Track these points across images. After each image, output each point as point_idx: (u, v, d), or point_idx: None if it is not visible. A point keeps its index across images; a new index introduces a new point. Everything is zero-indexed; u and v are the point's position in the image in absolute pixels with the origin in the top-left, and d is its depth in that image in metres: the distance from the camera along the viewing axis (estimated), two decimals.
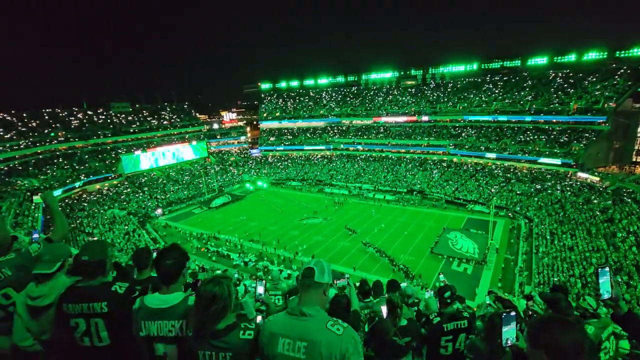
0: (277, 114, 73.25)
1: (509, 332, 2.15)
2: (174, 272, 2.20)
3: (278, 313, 1.98)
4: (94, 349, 2.25)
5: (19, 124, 49.16)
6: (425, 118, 58.40)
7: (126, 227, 38.00)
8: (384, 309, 3.94)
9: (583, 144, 40.59)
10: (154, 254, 3.45)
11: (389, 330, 3.49)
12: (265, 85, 78.82)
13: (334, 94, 73.42)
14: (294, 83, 76.88)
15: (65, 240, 3.29)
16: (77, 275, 2.41)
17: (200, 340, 1.91)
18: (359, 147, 61.88)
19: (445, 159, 52.57)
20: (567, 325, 1.38)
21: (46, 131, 50.41)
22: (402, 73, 69.47)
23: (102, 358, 2.28)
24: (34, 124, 50.43)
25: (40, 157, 47.35)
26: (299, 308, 1.86)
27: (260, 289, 2.62)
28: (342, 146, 63.59)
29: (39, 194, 35.15)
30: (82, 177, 46.82)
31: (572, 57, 48.33)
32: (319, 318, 1.82)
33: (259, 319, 5.36)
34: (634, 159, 43.05)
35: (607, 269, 2.16)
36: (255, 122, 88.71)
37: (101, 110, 60.44)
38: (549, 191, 37.94)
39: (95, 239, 32.02)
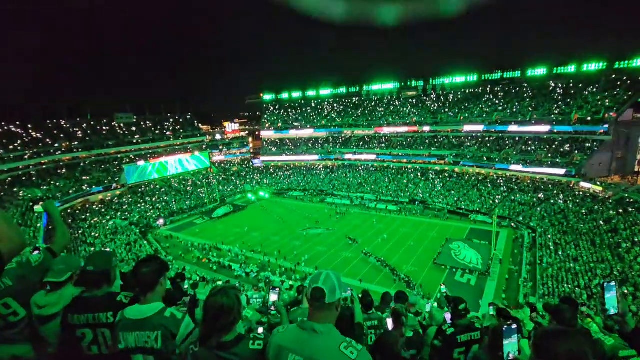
0: (279, 125, 73.78)
1: (511, 346, 2.07)
2: (151, 281, 2.21)
3: (288, 326, 1.94)
4: (102, 356, 2.28)
5: (24, 134, 49.69)
6: (426, 128, 58.66)
7: (128, 237, 37.97)
8: (389, 321, 3.91)
9: (585, 154, 40.58)
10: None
11: (395, 343, 3.46)
12: (267, 96, 79.53)
13: (335, 105, 74.03)
14: (296, 94, 77.58)
15: (67, 251, 3.29)
16: (82, 286, 2.44)
17: (207, 353, 1.89)
18: (361, 157, 62.03)
19: (447, 169, 52.57)
20: (565, 336, 1.40)
21: (50, 142, 50.93)
22: (403, 84, 70.03)
23: None
24: (38, 135, 50.97)
25: (44, 167, 47.71)
26: (310, 324, 1.79)
27: (274, 297, 2.58)
28: (344, 156, 63.77)
29: (41, 203, 35.38)
30: (85, 188, 47.04)
31: (571, 68, 48.67)
32: (332, 337, 1.75)
33: (260, 330, 5.31)
34: (636, 169, 42.91)
35: (613, 283, 2.09)
36: (257, 133, 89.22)
37: (105, 121, 61.09)
38: (552, 201, 37.76)
39: (107, 249, 31.92)
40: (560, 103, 47.35)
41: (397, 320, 3.87)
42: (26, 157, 46.30)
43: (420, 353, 3.89)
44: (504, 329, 2.12)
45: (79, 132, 55.94)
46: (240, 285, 19.02)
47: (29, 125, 51.52)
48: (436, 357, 3.84)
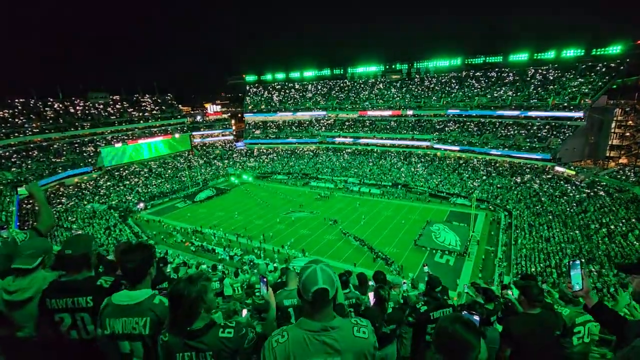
0: (263, 107, 72.46)
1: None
2: (139, 273, 2.19)
3: (287, 329, 1.77)
4: (81, 341, 2.26)
5: None
6: (410, 112, 59.04)
7: (107, 221, 37.05)
8: (370, 297, 4.03)
9: (560, 139, 42.00)
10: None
11: (376, 319, 3.57)
12: (250, 77, 77.60)
13: (320, 87, 73.14)
14: (280, 75, 76.06)
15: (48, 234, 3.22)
16: (61, 270, 2.39)
17: (176, 341, 1.88)
18: (345, 140, 62.05)
19: (429, 152, 53.41)
20: (458, 320, 1.59)
21: (19, 122, 48.31)
22: (387, 67, 69.76)
23: (89, 350, 2.28)
24: (5, 114, 48.20)
25: (14, 149, 45.41)
26: (318, 325, 1.71)
27: (263, 287, 2.58)
28: (328, 140, 63.60)
29: (24, 185, 33.94)
30: (59, 170, 45.21)
31: (551, 54, 49.68)
32: (344, 327, 1.74)
33: (244, 312, 5.35)
34: (607, 154, 44.83)
35: (578, 261, 2.25)
36: (240, 115, 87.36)
37: (78, 100, 58.21)
38: (528, 184, 39.18)
39: (80, 232, 31.13)
40: (539, 89, 48.46)
41: (379, 302, 3.99)
42: None
43: (399, 328, 4.05)
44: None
45: (51, 112, 53.23)
46: (225, 268, 19.05)
47: None
48: (411, 332, 4.03)
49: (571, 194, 33.14)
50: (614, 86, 44.82)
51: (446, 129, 54.17)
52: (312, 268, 1.74)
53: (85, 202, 41.86)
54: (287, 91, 74.75)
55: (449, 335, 1.52)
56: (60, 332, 2.25)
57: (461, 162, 49.28)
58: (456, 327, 1.52)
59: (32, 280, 2.35)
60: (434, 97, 58.48)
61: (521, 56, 52.64)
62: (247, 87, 77.41)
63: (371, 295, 4.02)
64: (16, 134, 46.69)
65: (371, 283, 6.41)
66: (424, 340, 3.96)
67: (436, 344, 1.57)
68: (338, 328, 1.71)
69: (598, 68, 45.16)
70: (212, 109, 79.57)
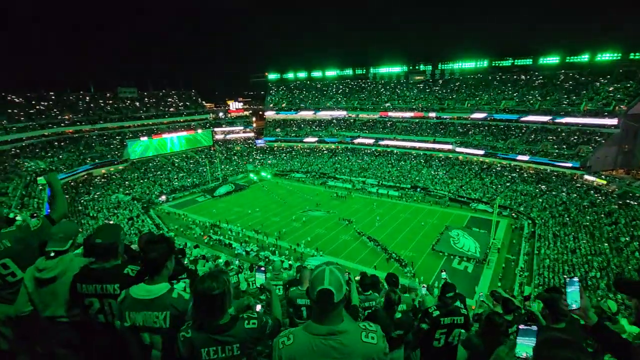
0: (283, 105, 72.99)
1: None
2: (157, 265, 2.24)
3: (294, 332, 1.76)
4: (108, 324, 2.37)
5: (27, 106, 49.49)
6: (432, 114, 57.93)
7: (130, 212, 38.38)
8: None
9: (591, 147, 40.11)
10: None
11: (384, 324, 3.52)
12: (272, 76, 78.35)
13: (341, 87, 72.93)
14: (301, 74, 76.36)
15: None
16: (91, 257, 2.50)
17: (202, 337, 1.91)
18: (365, 141, 61.61)
19: (450, 156, 52.24)
20: (565, 344, 1.47)
21: (53, 114, 50.75)
22: (410, 68, 68.71)
23: (116, 333, 2.38)
24: (41, 107, 50.75)
25: (47, 139, 47.75)
26: (324, 328, 1.67)
27: (261, 276, 2.62)
28: (347, 140, 63.36)
29: (44, 175, 35.87)
30: (88, 161, 47.23)
31: (585, 58, 47.42)
32: (352, 331, 1.69)
33: (258, 308, 5.41)
34: None
35: (575, 279, 2.15)
36: (261, 112, 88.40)
37: (108, 94, 60.63)
38: (554, 193, 37.64)
39: (111, 222, 32.38)
40: (570, 93, 46.44)
41: (388, 305, 3.98)
42: (30, 128, 46.32)
43: (407, 334, 3.99)
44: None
45: (82, 105, 55.65)
46: (240, 262, 19.34)
47: (32, 97, 51.28)
48: (420, 337, 3.98)
49: (601, 205, 31.60)
50: None
51: (470, 132, 52.82)
52: (322, 268, 1.71)
53: (111, 193, 43.51)
54: (308, 90, 74.97)
55: None
56: (88, 315, 2.38)
57: (484, 166, 47.93)
58: (579, 354, 1.41)
59: (60, 261, 2.47)
60: (458, 100, 57.13)
61: (552, 59, 50.59)
62: (269, 85, 78.22)
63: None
64: (50, 125, 49.06)
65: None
66: (431, 346, 3.91)
67: None
68: (346, 332, 1.67)
69: (635, 73, 42.79)
70: (234, 105, 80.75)
